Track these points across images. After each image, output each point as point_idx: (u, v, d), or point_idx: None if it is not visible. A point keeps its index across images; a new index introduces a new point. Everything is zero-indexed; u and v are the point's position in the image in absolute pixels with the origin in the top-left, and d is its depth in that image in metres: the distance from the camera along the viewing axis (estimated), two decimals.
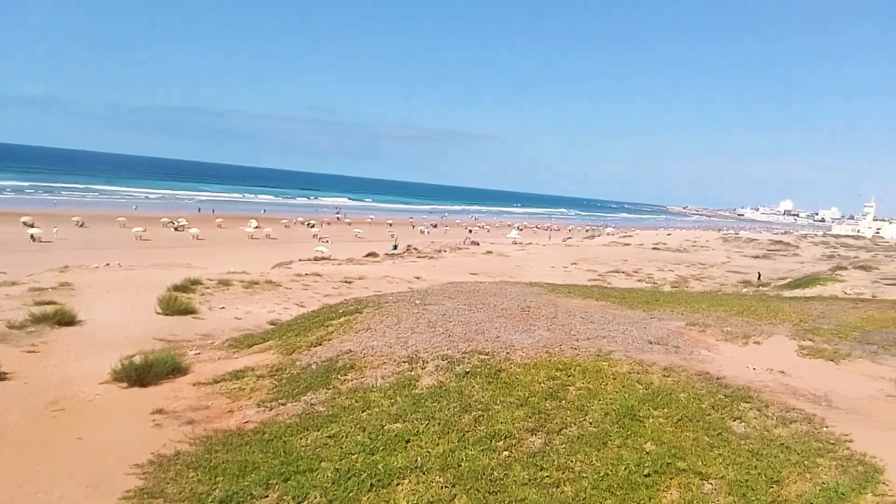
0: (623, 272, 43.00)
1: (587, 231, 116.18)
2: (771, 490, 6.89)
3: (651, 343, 12.22)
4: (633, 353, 11.24)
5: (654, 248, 65.73)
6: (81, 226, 62.13)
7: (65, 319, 16.31)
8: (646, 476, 7.18)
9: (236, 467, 7.79)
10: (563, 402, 9.06)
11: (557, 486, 7.10)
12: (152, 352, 13.00)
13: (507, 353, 11.05)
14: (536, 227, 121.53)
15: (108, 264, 29.99)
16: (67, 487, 7.73)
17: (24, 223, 56.62)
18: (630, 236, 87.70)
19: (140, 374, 11.49)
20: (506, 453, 7.79)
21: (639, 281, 39.21)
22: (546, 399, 9.13)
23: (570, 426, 8.36)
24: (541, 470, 7.38)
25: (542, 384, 9.65)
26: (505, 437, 8.11)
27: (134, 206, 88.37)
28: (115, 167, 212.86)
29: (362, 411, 9.21)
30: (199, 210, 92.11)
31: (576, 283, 28.23)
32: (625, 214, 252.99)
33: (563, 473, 7.33)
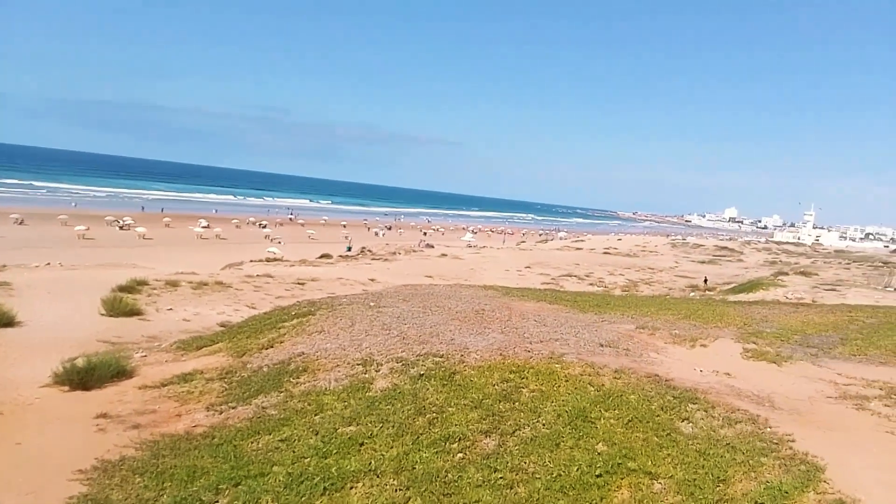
0: (575, 276, 43.69)
1: (540, 235, 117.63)
2: (718, 489, 7.09)
3: (602, 346, 12.44)
4: (585, 356, 11.42)
5: (605, 253, 67.00)
6: (21, 223, 59.66)
7: (3, 321, 15.65)
8: (597, 476, 7.29)
9: (185, 472, 7.59)
10: (517, 404, 9.14)
11: (511, 488, 7.15)
12: (96, 354, 12.55)
13: (462, 355, 11.09)
14: (491, 230, 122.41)
15: (48, 263, 28.89)
16: (6, 496, 7.40)
17: None
18: (582, 241, 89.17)
19: (83, 378, 11.09)
20: (460, 455, 7.80)
21: (590, 285, 39.90)
22: (500, 401, 9.19)
23: (524, 428, 8.44)
24: (495, 471, 7.42)
25: (496, 386, 9.71)
26: (459, 440, 8.12)
27: (73, 204, 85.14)
28: (58, 163, 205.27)
29: (315, 414, 9.10)
30: (143, 209, 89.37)
31: (529, 287, 28.56)
32: (577, 219, 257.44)
33: (517, 475, 7.39)
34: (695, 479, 7.22)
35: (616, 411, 8.87)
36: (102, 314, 18.04)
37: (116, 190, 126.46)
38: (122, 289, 20.98)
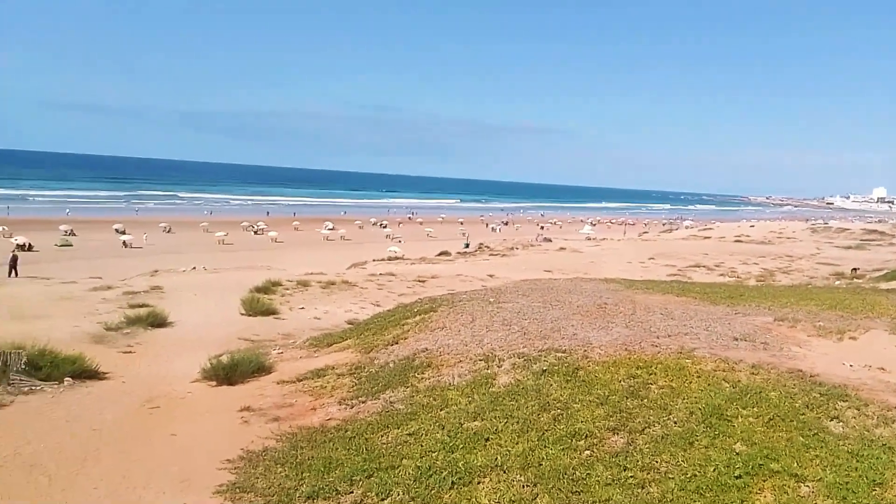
0: (704, 266, 41.54)
1: (664, 225, 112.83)
2: (874, 493, 6.50)
3: (737, 340, 11.73)
4: (718, 351, 10.82)
5: (736, 241, 63.16)
6: (168, 231, 65.26)
7: (157, 321, 17.22)
8: (736, 478, 6.89)
9: (321, 463, 7.99)
10: (645, 400, 8.82)
11: (643, 487, 6.92)
12: (238, 351, 13.52)
13: (585, 350, 10.86)
14: (610, 222, 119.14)
15: (194, 268, 31.41)
16: (163, 482, 8.12)
17: (117, 230, 59.97)
18: (710, 229, 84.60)
19: (227, 373, 11.99)
20: (587, 452, 7.65)
21: (721, 275, 37.79)
22: (627, 398, 8.92)
23: (654, 425, 8.13)
24: (624, 470, 7.22)
25: (623, 382, 9.43)
26: (586, 437, 7.97)
27: (208, 212, 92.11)
28: (193, 174, 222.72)
29: (441, 409, 9.26)
30: (269, 213, 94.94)
31: (654, 279, 27.51)
32: (704, 206, 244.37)
33: (648, 474, 7.14)
34: (847, 483, 6.65)
35: (755, 409, 8.34)
36: (242, 313, 19.36)
37: (249, 197, 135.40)
38: (258, 290, 22.41)
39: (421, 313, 14.83)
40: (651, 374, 9.66)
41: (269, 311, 19.72)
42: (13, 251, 38.38)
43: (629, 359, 10.34)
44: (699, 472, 7.07)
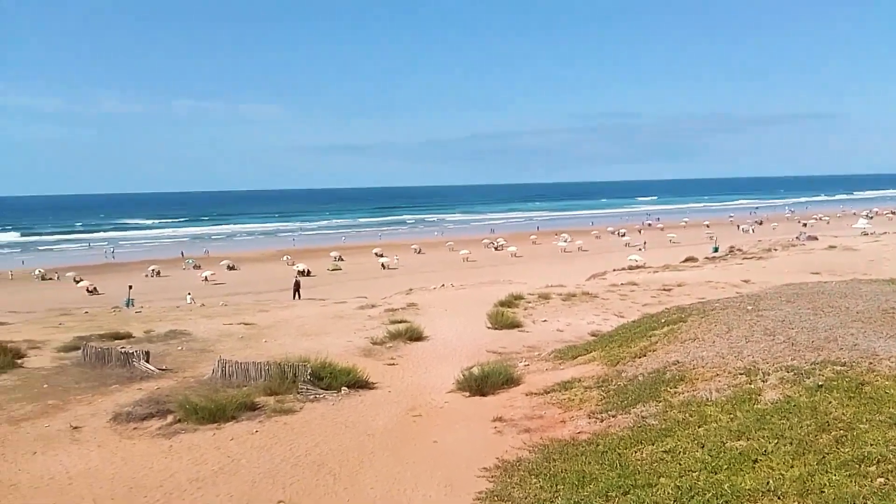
0: None
1: None
2: None
3: None
4: None
5: None
6: (419, 252, 70.64)
7: (414, 335, 18.71)
8: None
9: (574, 477, 7.98)
10: None
11: None
12: (487, 364, 14.11)
13: (870, 363, 9.46)
14: (892, 212, 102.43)
15: (442, 285, 33.57)
16: (429, 486, 8.77)
17: (376, 254, 66.63)
18: None
19: (479, 385, 12.60)
20: (880, 480, 6.62)
21: None
22: None
23: None
24: None
25: None
26: (877, 462, 6.90)
27: (439, 233, 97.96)
28: (437, 198, 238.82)
29: (698, 426, 8.71)
30: (493, 231, 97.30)
31: None
32: None
33: None
34: None
35: None
36: (488, 327, 20.19)
37: (484, 216, 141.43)
38: (502, 304, 23.18)
39: (669, 324, 14.14)
40: None
41: (514, 325, 20.28)
42: (296, 277, 44.66)
43: None
44: None
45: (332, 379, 13.55)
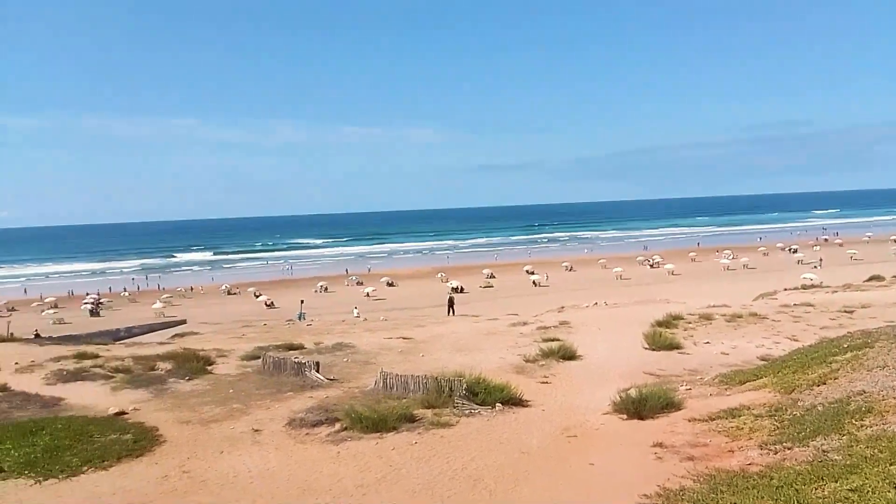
0: None
1: None
2: None
3: None
4: None
5: None
6: (570, 270, 69.74)
7: (567, 354, 18.48)
8: None
9: None
10: None
11: None
12: (644, 386, 13.63)
13: None
14: None
15: (595, 303, 32.85)
16: None
17: (527, 271, 66.77)
18: None
19: (637, 408, 12.18)
20: None
21: None
22: None
23: None
24: None
25: None
26: None
27: (589, 250, 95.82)
28: (585, 215, 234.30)
29: (889, 463, 7.82)
30: (646, 248, 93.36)
31: None
32: None
33: None
34: None
35: None
36: (645, 347, 19.47)
37: (637, 232, 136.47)
38: (659, 323, 22.28)
39: (853, 349, 12.85)
40: None
41: (673, 346, 19.38)
42: (449, 293, 45.89)
43: None
44: None
45: (486, 395, 13.75)
